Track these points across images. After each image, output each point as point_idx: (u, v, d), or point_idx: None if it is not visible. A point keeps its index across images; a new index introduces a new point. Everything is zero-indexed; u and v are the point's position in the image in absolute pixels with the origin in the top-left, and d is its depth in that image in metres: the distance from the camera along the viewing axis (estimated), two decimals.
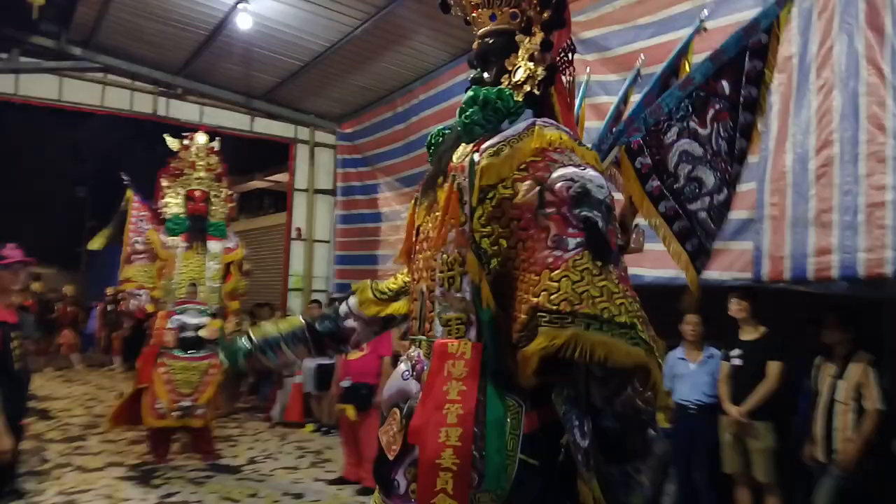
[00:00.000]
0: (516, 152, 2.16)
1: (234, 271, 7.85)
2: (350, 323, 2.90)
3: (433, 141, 2.65)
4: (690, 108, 2.44)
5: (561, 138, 2.20)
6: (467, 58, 2.61)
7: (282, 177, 14.41)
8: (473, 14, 2.51)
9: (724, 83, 2.43)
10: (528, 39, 2.38)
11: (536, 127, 2.21)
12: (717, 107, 2.42)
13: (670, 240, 2.51)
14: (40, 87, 9.62)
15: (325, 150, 11.80)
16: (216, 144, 8.06)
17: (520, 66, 2.37)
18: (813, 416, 5.03)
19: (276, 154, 13.10)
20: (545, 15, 2.38)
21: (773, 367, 5.30)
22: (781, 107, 5.01)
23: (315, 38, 8.80)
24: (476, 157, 2.23)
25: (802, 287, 4.88)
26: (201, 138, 7.92)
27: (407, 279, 2.74)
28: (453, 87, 8.60)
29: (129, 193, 9.62)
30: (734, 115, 2.46)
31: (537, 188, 2.06)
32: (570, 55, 2.49)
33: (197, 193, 7.68)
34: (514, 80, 2.36)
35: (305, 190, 11.77)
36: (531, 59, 2.36)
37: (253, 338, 2.92)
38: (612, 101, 2.92)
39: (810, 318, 5.36)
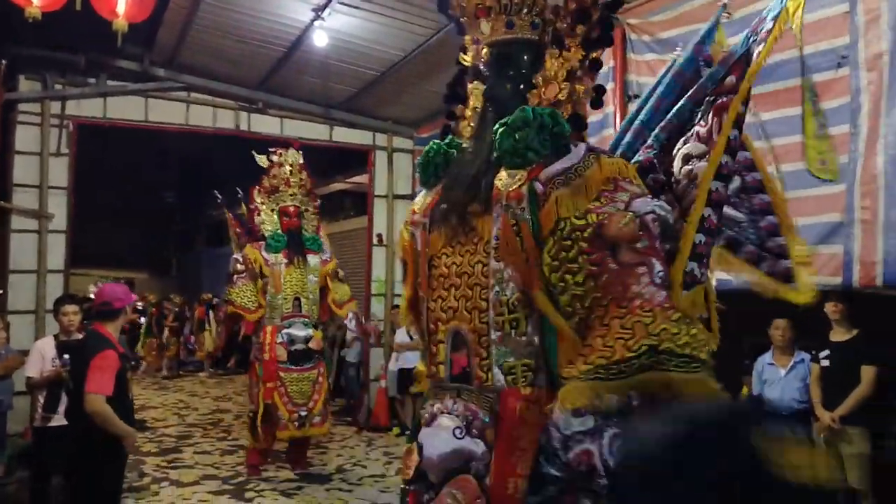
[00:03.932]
0: (588, 182, 2.02)
1: (332, 281, 7.98)
2: None
3: (432, 159, 2.42)
4: (700, 115, 2.32)
5: (625, 166, 2.11)
6: (469, 68, 2.44)
7: (362, 178, 14.44)
8: (481, 18, 2.32)
9: (734, 78, 2.27)
10: (561, 54, 2.21)
11: (601, 155, 2.10)
12: (723, 100, 2.26)
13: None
14: (127, 108, 9.85)
15: (402, 155, 11.80)
16: (300, 158, 8.15)
17: (552, 83, 2.21)
18: None
19: (356, 158, 13.19)
20: (579, 30, 2.21)
21: (868, 372, 5.21)
22: (872, 107, 4.78)
23: (390, 48, 8.81)
24: (538, 185, 2.05)
25: None
26: (294, 155, 8.03)
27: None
28: None
29: (228, 214, 9.93)
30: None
31: (636, 220, 1.92)
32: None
33: (291, 209, 7.84)
34: (547, 96, 2.20)
35: (385, 196, 11.76)
36: (569, 76, 2.20)
37: None
38: None
39: None
